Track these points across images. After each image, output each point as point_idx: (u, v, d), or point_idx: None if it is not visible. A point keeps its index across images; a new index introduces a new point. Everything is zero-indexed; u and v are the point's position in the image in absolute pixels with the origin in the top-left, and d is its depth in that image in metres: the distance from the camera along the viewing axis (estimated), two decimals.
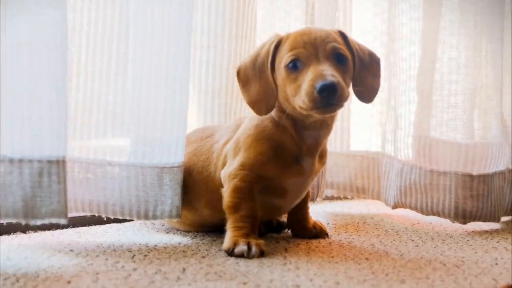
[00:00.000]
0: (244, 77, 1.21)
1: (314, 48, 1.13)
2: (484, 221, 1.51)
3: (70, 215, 1.36)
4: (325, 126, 1.21)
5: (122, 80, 1.27)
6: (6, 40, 1.04)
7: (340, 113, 1.72)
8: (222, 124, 1.41)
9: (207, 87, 1.48)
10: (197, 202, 1.28)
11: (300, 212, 1.34)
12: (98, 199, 1.24)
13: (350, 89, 1.19)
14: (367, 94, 1.22)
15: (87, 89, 1.27)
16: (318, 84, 1.07)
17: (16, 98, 1.05)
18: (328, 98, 1.07)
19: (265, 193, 1.22)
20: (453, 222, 1.53)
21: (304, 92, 1.09)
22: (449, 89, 1.57)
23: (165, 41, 1.23)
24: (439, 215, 1.53)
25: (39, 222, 1.07)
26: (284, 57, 1.15)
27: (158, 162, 1.25)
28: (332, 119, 1.23)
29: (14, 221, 1.07)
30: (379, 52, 1.67)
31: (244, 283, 0.96)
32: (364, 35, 1.76)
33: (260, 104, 1.19)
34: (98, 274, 0.99)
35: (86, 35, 1.26)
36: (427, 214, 1.54)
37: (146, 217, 1.25)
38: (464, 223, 1.51)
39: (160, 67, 1.23)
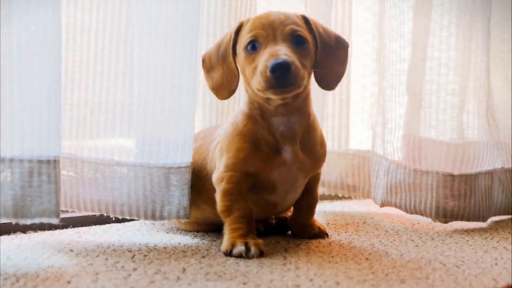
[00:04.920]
0: (209, 64, 1.24)
1: (272, 30, 1.14)
2: (467, 220, 1.52)
3: (71, 215, 1.37)
4: (294, 112, 1.20)
5: (130, 79, 1.27)
6: None
7: (331, 111, 1.73)
8: (223, 123, 1.41)
9: (199, 85, 1.48)
10: (199, 198, 1.28)
11: (303, 215, 1.33)
12: (106, 199, 1.25)
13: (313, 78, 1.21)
14: (328, 79, 1.23)
15: (95, 88, 1.27)
16: (270, 63, 1.08)
17: (7, 98, 1.05)
18: (281, 78, 1.08)
19: (256, 190, 1.22)
20: (434, 221, 1.54)
21: (259, 73, 1.11)
22: (437, 89, 1.57)
23: (170, 40, 1.23)
24: (421, 214, 1.53)
25: (29, 222, 1.07)
26: (243, 39, 1.17)
27: (165, 163, 1.25)
28: (303, 103, 1.21)
29: (4, 220, 1.07)
30: (377, 50, 1.69)
31: (244, 283, 0.96)
32: (364, 34, 1.76)
33: (223, 88, 1.22)
34: (98, 274, 0.99)
35: (95, 34, 1.27)
36: (411, 213, 1.55)
37: (153, 217, 1.25)
38: (445, 222, 1.51)
39: (166, 65, 1.23)
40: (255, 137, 1.20)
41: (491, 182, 1.57)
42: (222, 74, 1.22)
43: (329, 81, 1.24)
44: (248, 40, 1.15)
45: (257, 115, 1.21)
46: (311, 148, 1.24)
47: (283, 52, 1.10)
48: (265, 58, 1.11)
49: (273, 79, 1.08)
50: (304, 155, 1.22)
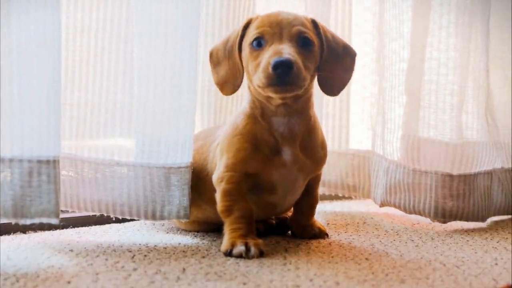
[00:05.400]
0: (216, 59, 1.25)
1: (279, 29, 1.15)
2: (466, 220, 1.52)
3: (71, 215, 1.37)
4: (294, 113, 1.20)
5: (130, 79, 1.27)
6: None
7: (331, 111, 1.72)
8: (225, 124, 1.41)
9: (197, 85, 1.48)
10: (200, 198, 1.29)
11: (304, 215, 1.33)
12: (106, 199, 1.25)
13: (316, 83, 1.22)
14: (332, 85, 1.23)
15: (95, 88, 1.27)
16: (273, 60, 1.08)
17: (7, 98, 1.05)
18: (283, 76, 1.08)
19: (256, 190, 1.22)
20: (433, 221, 1.54)
21: (261, 69, 1.11)
22: (436, 89, 1.57)
23: (170, 40, 1.23)
24: (420, 214, 1.53)
25: (28, 222, 1.07)
26: (250, 35, 1.17)
27: (165, 163, 1.25)
28: (304, 105, 1.21)
29: (4, 220, 1.07)
30: (376, 50, 1.69)
31: (244, 283, 0.96)
32: (364, 35, 1.76)
33: (227, 84, 1.23)
34: (98, 274, 0.99)
35: (95, 34, 1.27)
36: (410, 212, 1.55)
37: (153, 217, 1.26)
38: (444, 222, 1.52)
39: (166, 65, 1.23)
40: (255, 138, 1.20)
41: (490, 182, 1.57)
42: (227, 70, 1.22)
43: (332, 87, 1.24)
44: (254, 37, 1.15)
45: (258, 114, 1.21)
46: (312, 150, 1.24)
47: (287, 51, 1.10)
48: (268, 55, 1.11)
49: (275, 76, 1.09)
50: (304, 156, 1.22)
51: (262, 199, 1.24)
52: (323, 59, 1.20)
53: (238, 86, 1.22)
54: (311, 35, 1.17)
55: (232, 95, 1.53)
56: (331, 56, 1.21)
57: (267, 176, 1.20)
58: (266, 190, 1.23)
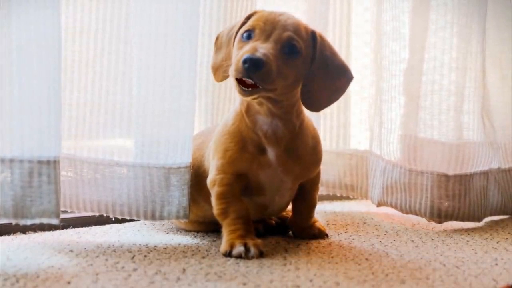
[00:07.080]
0: (219, 43, 1.25)
1: (271, 28, 1.14)
2: (462, 220, 1.53)
3: (71, 215, 1.37)
4: (278, 117, 1.18)
5: (129, 80, 1.27)
6: None
7: (329, 111, 1.72)
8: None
9: (196, 86, 1.48)
10: (198, 195, 1.29)
11: (302, 217, 1.33)
12: (106, 199, 1.25)
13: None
14: (315, 100, 1.20)
15: (95, 88, 1.27)
16: (246, 55, 1.08)
17: (7, 98, 1.05)
18: (248, 71, 1.07)
19: (246, 192, 1.22)
20: (429, 221, 1.54)
21: (235, 60, 1.11)
22: (431, 90, 1.57)
23: (170, 40, 1.23)
24: (416, 214, 1.54)
25: (29, 222, 1.07)
26: (245, 27, 1.17)
27: (165, 163, 1.25)
28: (287, 111, 1.19)
29: (4, 220, 1.08)
30: (374, 51, 1.69)
31: (244, 284, 0.96)
32: (364, 35, 1.76)
33: (219, 70, 1.23)
34: (98, 274, 0.99)
35: (94, 35, 1.27)
36: (406, 212, 1.55)
37: (153, 217, 1.26)
38: (440, 222, 1.52)
39: (165, 66, 1.23)
40: (241, 136, 1.20)
41: (486, 183, 1.58)
42: (223, 56, 1.22)
43: (315, 102, 1.20)
44: (246, 28, 1.15)
45: (244, 110, 1.20)
46: (300, 155, 1.22)
47: (263, 51, 1.09)
48: (245, 50, 1.10)
49: (242, 71, 1.08)
50: (291, 160, 1.21)
51: (252, 200, 1.24)
52: (312, 72, 1.17)
53: (227, 76, 1.19)
54: (301, 44, 1.14)
55: (231, 96, 1.54)
56: (321, 71, 1.18)
57: (254, 176, 1.20)
58: (255, 191, 1.22)
